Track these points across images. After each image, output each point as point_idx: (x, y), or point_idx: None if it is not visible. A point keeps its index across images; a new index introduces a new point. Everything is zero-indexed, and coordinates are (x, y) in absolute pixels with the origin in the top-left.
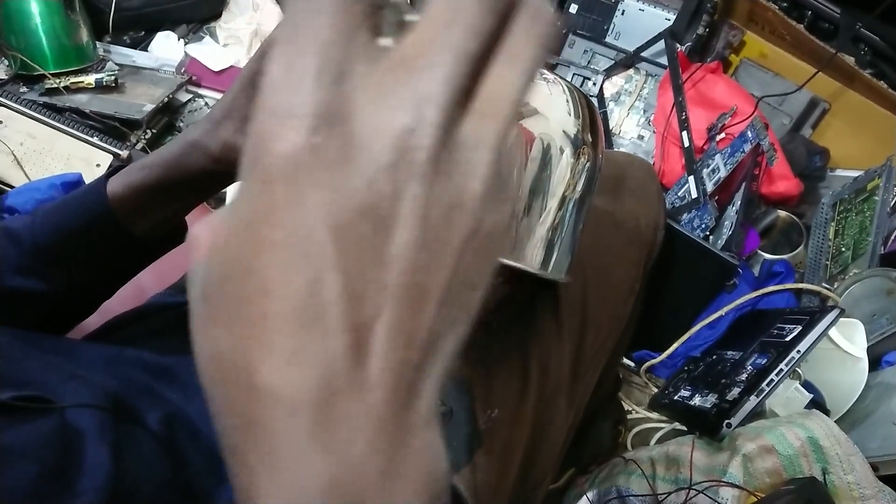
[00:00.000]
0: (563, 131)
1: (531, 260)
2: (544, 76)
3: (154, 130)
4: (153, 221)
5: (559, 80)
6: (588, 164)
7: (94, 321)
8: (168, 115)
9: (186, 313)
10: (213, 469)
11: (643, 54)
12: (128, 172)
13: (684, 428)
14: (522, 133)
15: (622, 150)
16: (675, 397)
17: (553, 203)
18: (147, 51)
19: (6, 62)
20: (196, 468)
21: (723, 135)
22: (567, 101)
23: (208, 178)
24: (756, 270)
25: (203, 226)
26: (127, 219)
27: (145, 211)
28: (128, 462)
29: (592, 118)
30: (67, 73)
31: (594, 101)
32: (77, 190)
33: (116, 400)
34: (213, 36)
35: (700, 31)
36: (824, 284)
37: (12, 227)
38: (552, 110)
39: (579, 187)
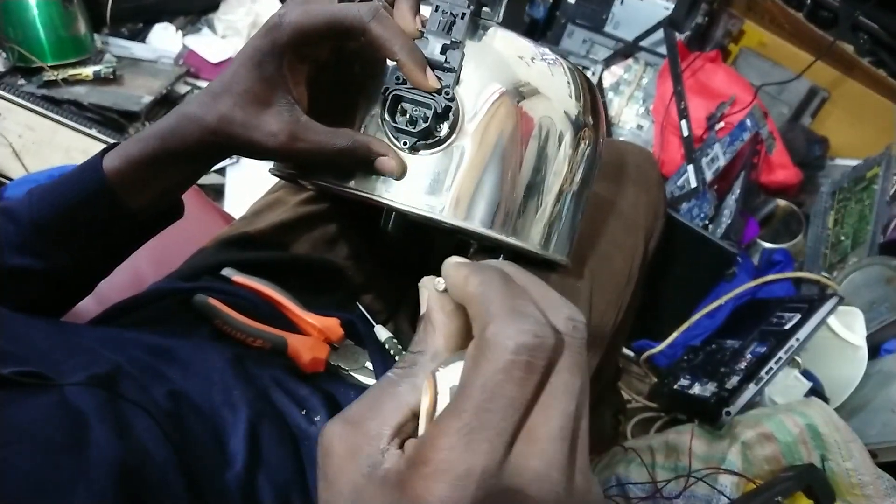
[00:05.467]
0: (565, 112)
1: (532, 240)
2: (545, 57)
3: (152, 122)
4: (150, 195)
5: (561, 61)
6: (589, 146)
7: (92, 310)
8: (167, 107)
9: (186, 300)
10: (218, 446)
11: (642, 44)
12: (125, 146)
13: (684, 417)
14: (524, 113)
15: (622, 139)
16: (675, 386)
17: (554, 183)
18: (145, 42)
19: (4, 54)
20: (202, 444)
21: (722, 124)
22: (569, 84)
23: (203, 149)
24: (755, 259)
25: None
26: (124, 192)
27: (142, 184)
28: (131, 441)
29: (594, 100)
30: (65, 66)
31: None
32: (74, 168)
33: (119, 375)
34: (211, 27)
35: (699, 20)
36: (823, 273)
37: (10, 207)
38: (553, 91)
39: (580, 168)
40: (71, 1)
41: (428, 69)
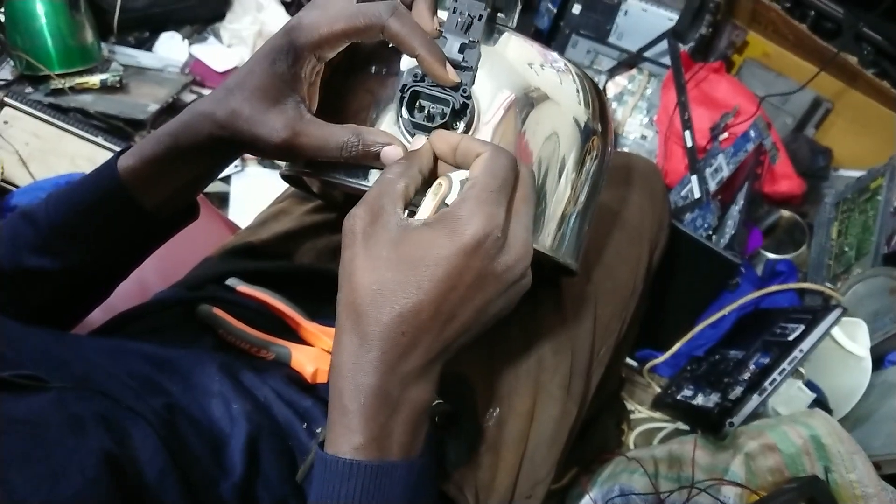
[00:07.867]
0: (574, 119)
1: (543, 242)
2: (555, 63)
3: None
4: (164, 194)
5: (569, 66)
6: (597, 152)
7: (97, 317)
8: (172, 116)
9: (191, 310)
10: (215, 458)
11: (646, 54)
12: (139, 146)
13: (687, 427)
14: (536, 117)
15: (625, 149)
16: (678, 396)
17: (565, 187)
18: (152, 51)
19: (11, 63)
20: (199, 455)
21: (726, 134)
22: (577, 91)
23: (214, 144)
24: (759, 270)
25: None
26: (138, 190)
27: (156, 181)
28: (128, 448)
29: (602, 107)
30: (72, 74)
31: None
32: (90, 171)
33: (115, 386)
34: (218, 36)
35: (703, 30)
36: (827, 284)
37: (29, 210)
38: (563, 97)
39: (590, 174)
40: (78, 10)
41: (447, 64)
